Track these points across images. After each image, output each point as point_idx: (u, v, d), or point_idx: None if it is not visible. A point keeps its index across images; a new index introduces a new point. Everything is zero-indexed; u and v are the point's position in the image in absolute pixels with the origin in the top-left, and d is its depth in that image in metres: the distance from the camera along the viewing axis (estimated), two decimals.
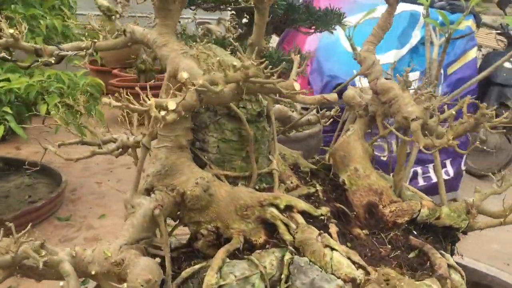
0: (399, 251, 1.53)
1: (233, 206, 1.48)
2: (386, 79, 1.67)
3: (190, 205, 1.45)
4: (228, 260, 1.39)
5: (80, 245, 1.28)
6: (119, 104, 1.02)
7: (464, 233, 1.69)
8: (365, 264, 1.32)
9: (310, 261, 1.33)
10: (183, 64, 1.31)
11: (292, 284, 1.32)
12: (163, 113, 0.94)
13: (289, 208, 1.50)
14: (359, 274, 1.27)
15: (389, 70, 1.81)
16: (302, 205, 1.50)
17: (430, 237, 1.65)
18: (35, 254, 1.08)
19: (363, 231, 1.59)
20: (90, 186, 3.95)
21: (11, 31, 1.31)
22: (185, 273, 1.38)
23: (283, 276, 1.35)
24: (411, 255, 1.52)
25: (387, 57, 3.79)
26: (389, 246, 1.53)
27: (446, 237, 1.68)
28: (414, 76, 3.74)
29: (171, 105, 0.94)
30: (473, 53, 4.11)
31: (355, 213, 1.64)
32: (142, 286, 1.13)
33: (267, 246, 1.48)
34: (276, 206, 1.49)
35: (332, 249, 1.35)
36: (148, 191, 1.50)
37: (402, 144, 1.75)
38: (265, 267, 1.36)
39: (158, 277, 1.20)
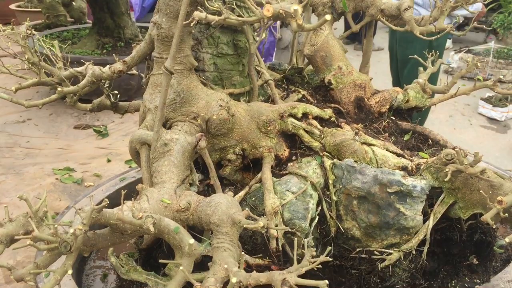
0: (393, 137, 1.65)
1: (255, 124, 1.39)
2: None
3: (215, 131, 1.31)
4: (274, 179, 1.33)
5: None
6: (217, 18, 0.83)
7: (421, 110, 1.90)
8: (402, 152, 1.40)
9: (355, 161, 1.35)
10: None
11: (344, 186, 1.34)
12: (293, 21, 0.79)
13: (305, 116, 1.47)
14: (407, 162, 1.35)
15: None
16: (316, 110, 1.49)
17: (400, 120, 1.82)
18: (133, 219, 0.88)
19: (359, 125, 1.65)
20: None
21: None
22: None
23: (330, 181, 1.36)
24: (406, 137, 1.66)
25: None
26: (386, 134, 1.64)
27: (410, 117, 1.87)
28: None
29: (299, 9, 0.80)
30: None
31: (345, 110, 1.69)
32: (239, 224, 1.02)
33: (293, 158, 1.45)
34: (294, 116, 1.44)
35: (370, 145, 1.39)
36: (163, 125, 1.30)
37: (369, 38, 1.82)
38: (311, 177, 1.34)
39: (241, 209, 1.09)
